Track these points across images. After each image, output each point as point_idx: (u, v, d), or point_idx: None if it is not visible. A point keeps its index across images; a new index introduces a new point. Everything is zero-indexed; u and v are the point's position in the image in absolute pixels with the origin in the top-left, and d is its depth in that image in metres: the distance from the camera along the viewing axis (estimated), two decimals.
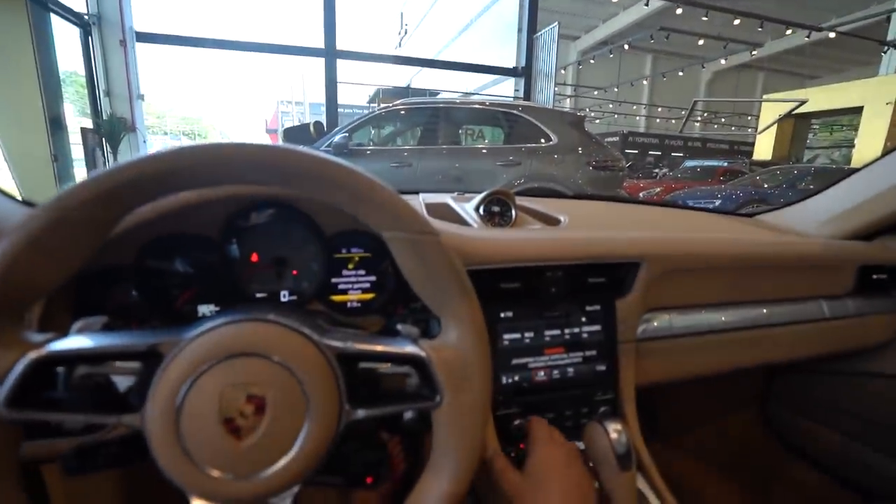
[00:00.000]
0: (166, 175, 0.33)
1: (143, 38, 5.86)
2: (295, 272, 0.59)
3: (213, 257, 0.56)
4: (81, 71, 5.52)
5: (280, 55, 6.03)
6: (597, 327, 0.68)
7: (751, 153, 12.88)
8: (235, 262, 0.57)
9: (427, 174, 3.69)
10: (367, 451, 0.39)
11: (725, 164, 9.66)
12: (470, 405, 0.38)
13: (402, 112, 4.12)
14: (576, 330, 0.67)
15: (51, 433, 0.49)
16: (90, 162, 5.44)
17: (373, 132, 4.14)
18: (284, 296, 0.58)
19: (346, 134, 3.67)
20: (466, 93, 7.91)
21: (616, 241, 0.70)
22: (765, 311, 0.82)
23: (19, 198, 0.66)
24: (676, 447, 1.20)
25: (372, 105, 4.88)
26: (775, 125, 9.98)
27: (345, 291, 0.60)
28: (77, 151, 5.28)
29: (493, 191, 0.83)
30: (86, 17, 5.39)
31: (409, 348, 0.38)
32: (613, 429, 0.52)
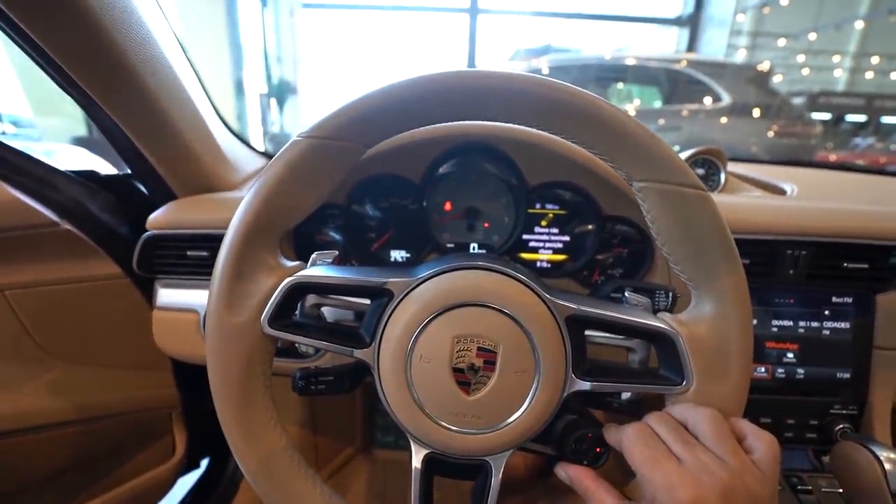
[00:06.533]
0: (417, 103, 0.31)
1: (307, 5, 6.51)
2: (486, 224, 0.56)
3: (411, 202, 0.56)
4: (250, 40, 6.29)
5: (424, 12, 6.07)
6: (844, 324, 0.54)
7: None
8: (429, 209, 0.56)
9: None
10: (584, 428, 0.35)
11: None
12: (725, 396, 0.32)
13: (546, 72, 3.88)
14: (814, 324, 0.54)
15: (280, 353, 0.56)
16: (264, 121, 6.34)
17: None
18: (473, 248, 0.57)
19: None
20: (618, 50, 7.15)
21: None
22: None
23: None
24: None
25: (511, 64, 4.68)
26: None
27: (535, 250, 0.56)
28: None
29: (701, 149, 0.70)
30: None
31: (654, 321, 0.33)
32: (888, 457, 0.40)
